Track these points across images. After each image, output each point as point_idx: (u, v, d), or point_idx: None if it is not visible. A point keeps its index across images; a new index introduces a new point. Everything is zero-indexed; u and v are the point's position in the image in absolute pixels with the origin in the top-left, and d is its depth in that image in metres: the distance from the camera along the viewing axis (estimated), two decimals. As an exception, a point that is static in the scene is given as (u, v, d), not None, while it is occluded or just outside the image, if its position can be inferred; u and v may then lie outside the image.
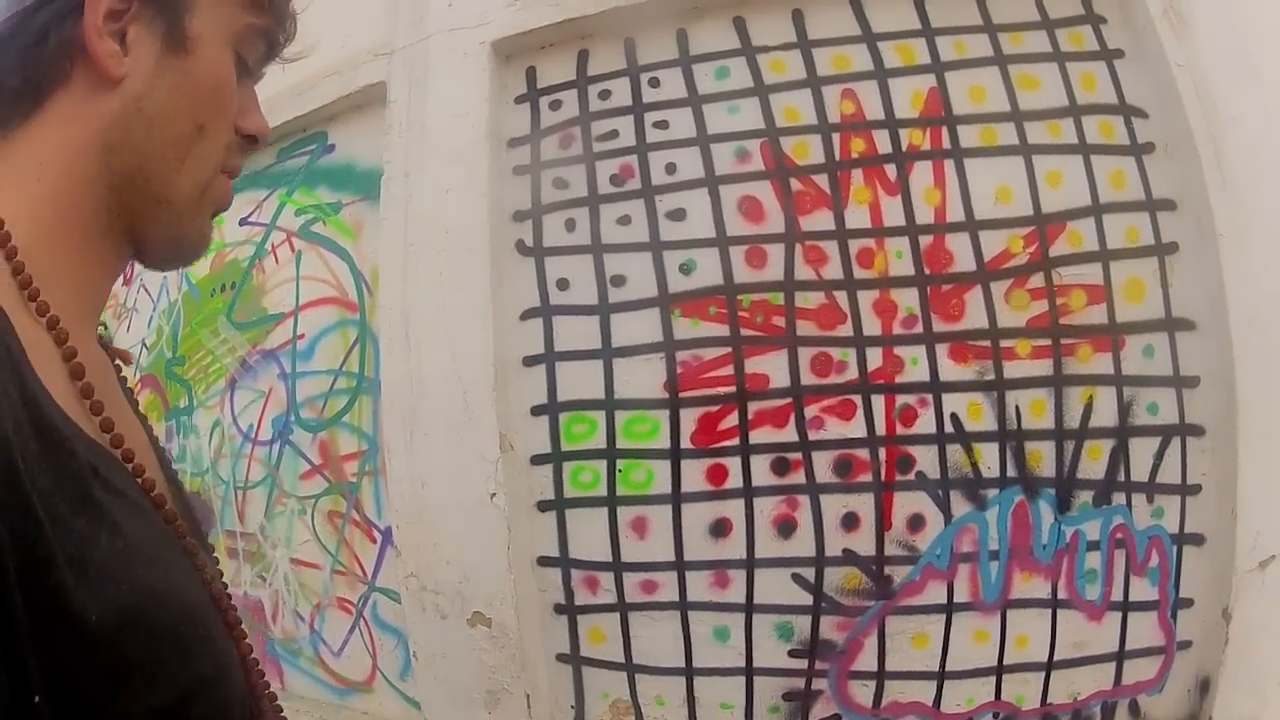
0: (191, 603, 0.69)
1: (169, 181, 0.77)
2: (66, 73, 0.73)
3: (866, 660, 2.29)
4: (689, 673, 2.38)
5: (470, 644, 2.43)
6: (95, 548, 0.59)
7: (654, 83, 2.50)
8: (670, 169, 2.44)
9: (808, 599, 2.30)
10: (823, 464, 2.30)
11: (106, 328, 3.83)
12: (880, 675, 2.30)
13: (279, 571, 3.02)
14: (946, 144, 2.36)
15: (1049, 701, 2.28)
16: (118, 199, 0.76)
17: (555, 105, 2.57)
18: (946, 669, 2.28)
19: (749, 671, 2.35)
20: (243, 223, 3.19)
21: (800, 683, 2.32)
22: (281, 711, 0.86)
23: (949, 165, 2.35)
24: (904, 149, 2.36)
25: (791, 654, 2.32)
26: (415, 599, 2.51)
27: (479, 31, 2.58)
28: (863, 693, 2.31)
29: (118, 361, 0.89)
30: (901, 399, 2.29)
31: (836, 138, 2.38)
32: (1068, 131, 2.36)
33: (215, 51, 0.78)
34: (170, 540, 0.72)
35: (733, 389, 2.33)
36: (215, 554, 0.87)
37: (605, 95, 2.53)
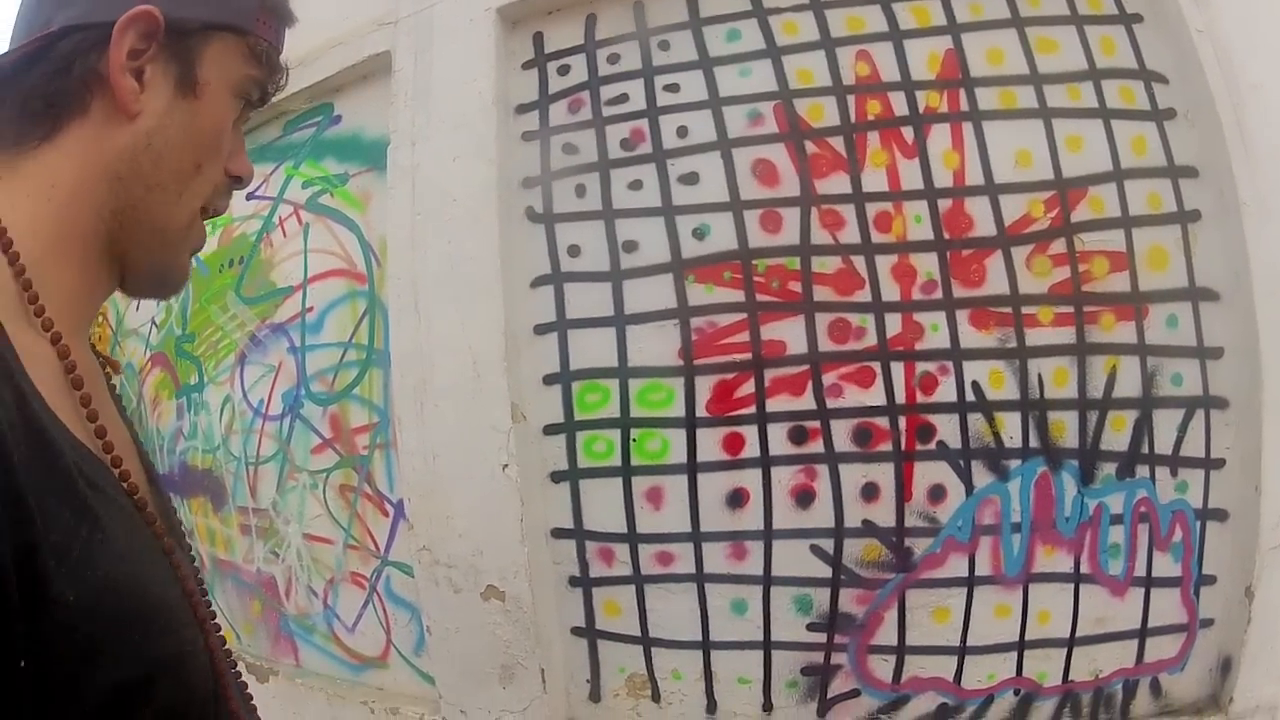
0: (159, 594, 0.74)
1: (167, 213, 0.84)
2: (86, 102, 0.79)
3: (886, 634, 2.26)
4: (706, 646, 2.35)
5: (484, 618, 2.40)
6: (76, 538, 0.65)
7: (664, 46, 2.45)
8: (682, 132, 2.39)
9: (827, 571, 2.26)
10: (841, 433, 2.26)
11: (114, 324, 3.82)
12: (900, 650, 2.26)
13: (292, 547, 3.00)
14: (964, 106, 2.30)
15: (1070, 679, 2.24)
16: (119, 224, 0.82)
17: (563, 70, 2.52)
18: (968, 644, 2.24)
19: (767, 645, 2.31)
20: (249, 197, 3.16)
21: (819, 657, 2.29)
22: (253, 699, 0.93)
23: (967, 128, 2.29)
24: (921, 111, 2.31)
25: (810, 627, 2.28)
26: (428, 573, 2.48)
27: (485, -2, 2.53)
28: (882, 667, 2.27)
29: (108, 370, 0.95)
30: (922, 366, 2.24)
31: (851, 100, 2.33)
32: (1087, 95, 2.30)
33: (218, 98, 0.85)
34: (148, 538, 0.77)
35: (749, 356, 2.28)
36: (192, 551, 0.94)
37: (614, 59, 2.48)
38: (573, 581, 2.42)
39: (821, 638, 2.28)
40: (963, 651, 2.24)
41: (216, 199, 0.90)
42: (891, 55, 2.34)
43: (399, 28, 2.69)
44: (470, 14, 2.54)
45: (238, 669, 0.91)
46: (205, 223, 0.93)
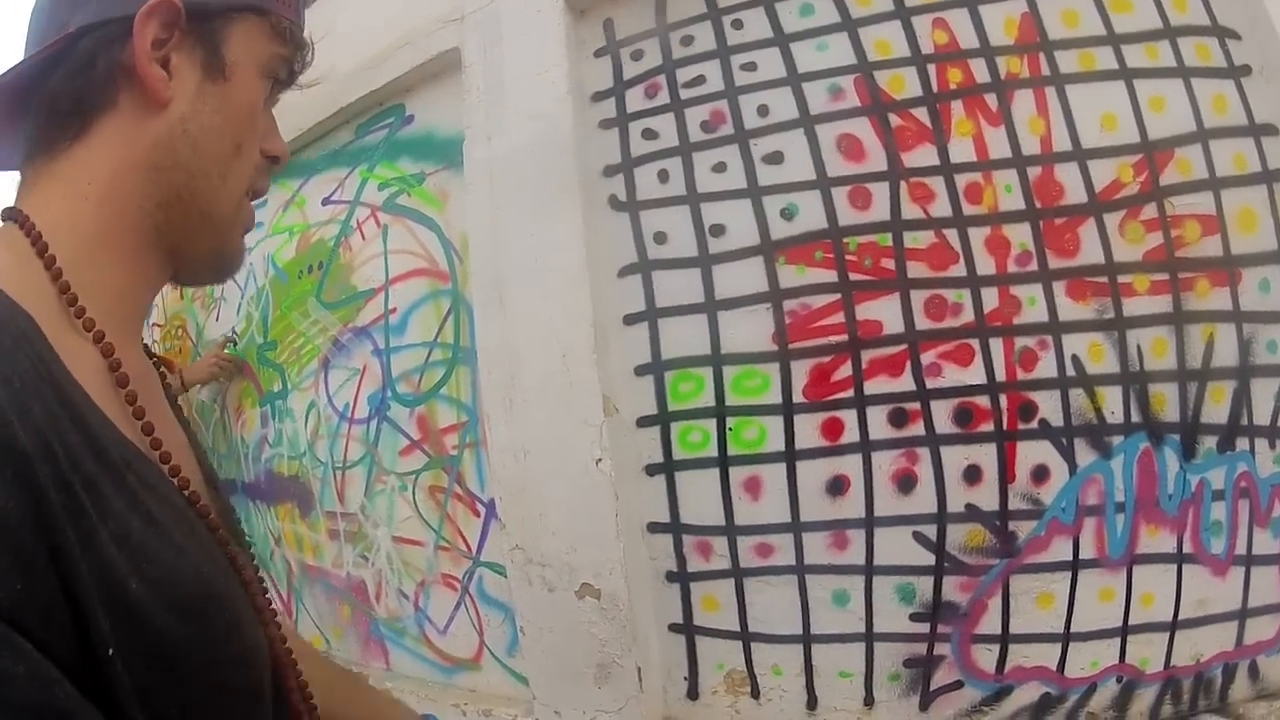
0: (219, 588, 0.74)
1: (214, 198, 0.84)
2: (114, 96, 0.79)
3: (990, 623, 2.16)
4: (806, 640, 2.27)
5: (579, 616, 2.36)
6: (131, 528, 0.65)
7: (737, 24, 2.39)
8: (763, 111, 2.33)
9: (930, 559, 2.18)
10: (942, 413, 2.17)
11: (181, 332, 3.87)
12: (1004, 638, 2.16)
13: (381, 550, 3.00)
14: (1045, 71, 2.22)
15: (1172, 664, 2.13)
16: (164, 215, 0.82)
17: (637, 55, 2.48)
18: (1071, 630, 2.14)
19: (869, 637, 2.23)
20: (325, 202, 3.18)
21: (922, 648, 2.20)
22: (313, 698, 0.93)
23: (1050, 92, 2.20)
24: (1003, 77, 2.22)
25: (913, 617, 2.19)
26: (521, 572, 2.45)
27: (550, -13, 2.49)
28: (986, 657, 2.17)
29: (163, 369, 0.96)
30: (1020, 341, 2.15)
31: (932, 69, 2.25)
32: (1165, 54, 2.21)
33: (247, 78, 0.86)
34: (202, 533, 0.77)
35: (845, 337, 2.21)
36: (252, 549, 0.94)
37: (688, 41, 2.43)
38: (670, 576, 2.36)
39: (924, 628, 2.19)
40: (1066, 638, 2.14)
41: (258, 180, 0.91)
42: (968, 21, 2.26)
43: (465, 23, 2.67)
44: (537, 5, 2.51)
45: (299, 666, 0.91)
46: (253, 205, 0.94)
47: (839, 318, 2.22)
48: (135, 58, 0.77)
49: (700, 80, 2.40)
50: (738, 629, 2.32)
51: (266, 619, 0.84)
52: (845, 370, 2.21)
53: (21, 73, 0.79)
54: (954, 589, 2.17)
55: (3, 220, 0.79)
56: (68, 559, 0.57)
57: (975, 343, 2.17)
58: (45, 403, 0.62)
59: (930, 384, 2.18)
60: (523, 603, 2.48)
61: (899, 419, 2.19)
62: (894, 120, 2.25)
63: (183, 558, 0.69)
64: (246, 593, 0.81)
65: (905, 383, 2.19)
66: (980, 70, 2.24)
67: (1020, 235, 2.17)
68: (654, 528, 2.37)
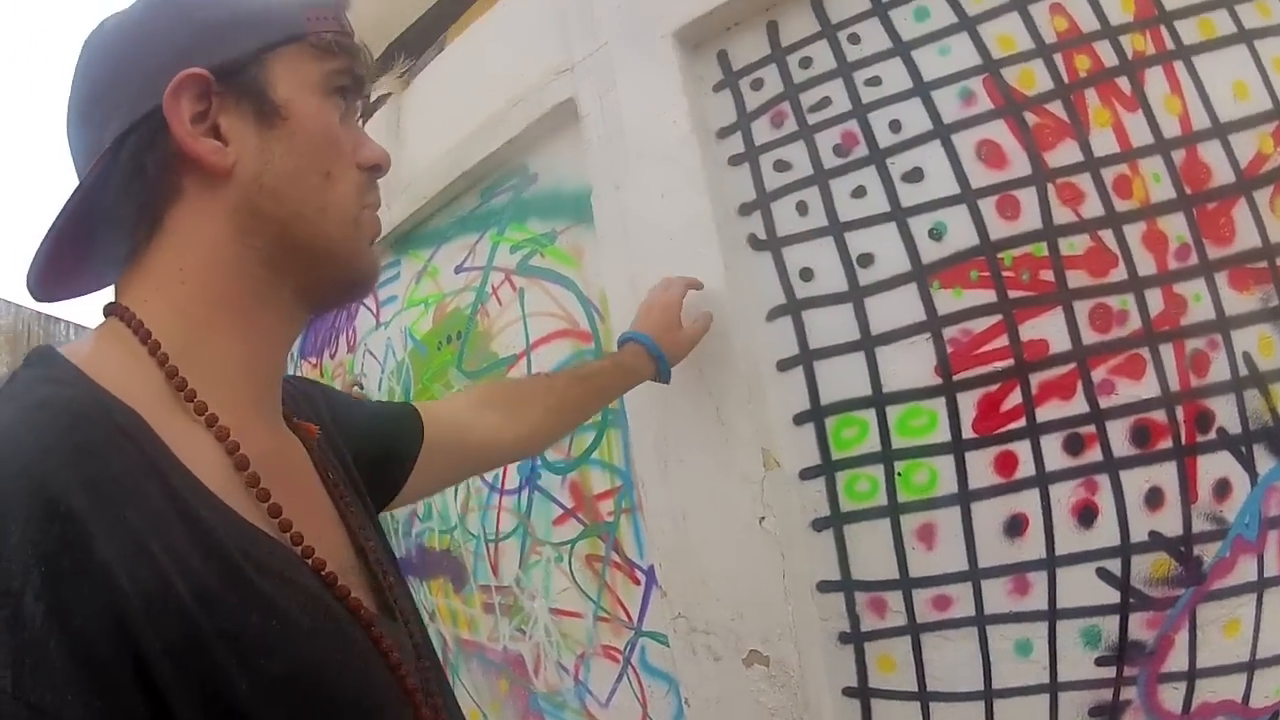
0: (353, 675, 0.72)
1: (319, 232, 0.82)
2: (177, 186, 0.78)
3: (1177, 659, 1.91)
4: (988, 695, 2.05)
5: (747, 686, 2.21)
6: (247, 624, 0.64)
7: (854, 39, 2.26)
8: (895, 127, 2.18)
9: (1114, 596, 1.94)
10: (1118, 435, 1.95)
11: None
12: (1191, 674, 1.90)
13: (538, 623, 2.94)
14: (1170, 45, 2.01)
15: None
16: (272, 270, 0.81)
17: (757, 85, 2.37)
18: (1256, 657, 1.88)
19: (1053, 687, 1.99)
20: (458, 270, 3.20)
21: (1108, 694, 1.95)
22: None
23: (1179, 67, 2.00)
24: (1130, 58, 2.03)
25: (1099, 662, 1.95)
26: (685, 641, 2.33)
27: (657, 25, 2.42)
28: (1172, 697, 1.92)
29: (302, 434, 0.95)
30: (1191, 344, 1.92)
31: (1059, 58, 2.07)
32: (1276, 11, 1.98)
33: (309, 106, 0.83)
34: (341, 615, 0.75)
35: (1011, 362, 2.02)
36: (409, 623, 0.90)
37: (806, 63, 2.31)
38: (842, 638, 2.19)
39: (1110, 672, 1.95)
40: (1251, 666, 1.88)
41: (366, 195, 0.88)
42: (1084, 2, 2.08)
43: (576, 72, 2.63)
44: (647, 45, 2.44)
45: None
46: (376, 213, 0.91)
47: (1003, 341, 2.03)
48: (180, 141, 0.76)
49: (826, 102, 2.27)
50: (915, 689, 2.13)
51: (418, 701, 0.80)
52: (1015, 398, 2.02)
53: (75, 206, 0.78)
54: (1140, 626, 1.94)
55: (105, 316, 0.79)
56: (157, 666, 0.56)
57: (1145, 352, 1.95)
58: (149, 501, 0.62)
59: (1104, 403, 1.97)
60: (687, 673, 2.36)
61: (1075, 446, 1.98)
62: (1030, 119, 2.07)
63: (311, 646, 0.69)
64: (394, 676, 0.78)
65: (1078, 405, 1.98)
66: (1107, 53, 2.05)
67: (1176, 227, 1.96)
68: (824, 587, 2.20)
